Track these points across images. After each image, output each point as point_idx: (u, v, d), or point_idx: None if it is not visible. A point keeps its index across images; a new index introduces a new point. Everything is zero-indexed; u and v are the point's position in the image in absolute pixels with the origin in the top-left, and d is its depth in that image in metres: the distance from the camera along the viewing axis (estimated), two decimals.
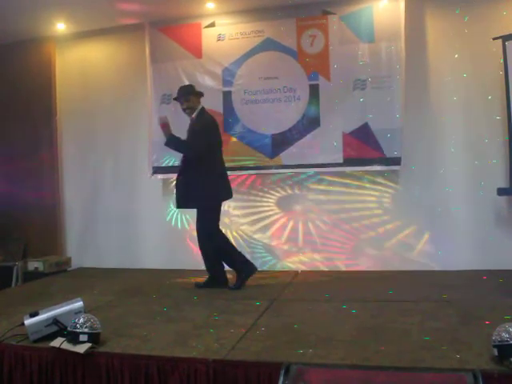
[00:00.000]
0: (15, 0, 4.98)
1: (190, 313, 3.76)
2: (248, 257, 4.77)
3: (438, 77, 5.17)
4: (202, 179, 4.47)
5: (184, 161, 4.58)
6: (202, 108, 4.65)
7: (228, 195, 4.71)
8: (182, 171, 4.56)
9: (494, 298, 3.87)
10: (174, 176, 5.68)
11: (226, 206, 5.72)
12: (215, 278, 4.69)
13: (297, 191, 5.56)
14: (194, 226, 5.70)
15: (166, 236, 5.92)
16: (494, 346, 2.49)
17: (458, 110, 5.10)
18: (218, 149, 4.66)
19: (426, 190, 5.16)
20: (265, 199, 5.66)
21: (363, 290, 4.35)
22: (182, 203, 4.61)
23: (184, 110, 4.63)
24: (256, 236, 5.68)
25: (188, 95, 4.59)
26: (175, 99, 4.74)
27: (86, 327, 2.94)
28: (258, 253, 5.65)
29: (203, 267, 5.63)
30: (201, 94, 4.69)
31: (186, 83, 5.65)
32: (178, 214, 5.88)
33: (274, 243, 5.62)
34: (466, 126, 5.08)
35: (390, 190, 5.30)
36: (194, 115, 4.60)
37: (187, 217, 5.79)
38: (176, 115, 5.70)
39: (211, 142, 4.53)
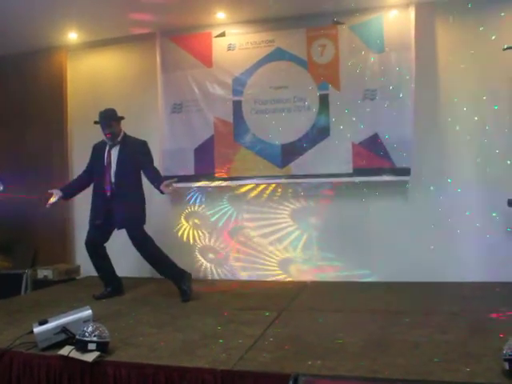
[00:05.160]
0: (28, 9, 5.02)
1: (199, 322, 3.76)
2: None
3: (449, 86, 5.15)
4: (139, 199, 4.76)
5: (118, 183, 4.68)
6: (125, 132, 4.81)
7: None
8: (118, 193, 4.66)
9: (506, 310, 3.83)
10: (185, 185, 5.76)
11: (237, 216, 5.74)
12: (116, 287, 4.91)
13: (306, 201, 5.54)
14: (202, 235, 5.80)
15: (175, 246, 5.92)
16: (505, 360, 2.46)
17: (469, 120, 5.06)
18: None
19: (436, 201, 5.12)
20: (274, 209, 5.65)
21: (373, 302, 4.32)
22: (122, 224, 4.70)
23: (106, 135, 4.70)
24: (266, 246, 5.66)
25: (110, 121, 4.69)
26: (96, 123, 4.78)
27: (94, 336, 2.95)
28: (266, 262, 5.64)
29: (210, 277, 5.69)
30: (121, 118, 4.82)
31: (197, 92, 5.71)
32: (187, 225, 5.90)
33: (282, 252, 5.60)
34: (476, 136, 5.05)
35: (399, 201, 5.27)
36: (119, 139, 4.73)
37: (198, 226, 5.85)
38: (186, 124, 5.77)
39: None
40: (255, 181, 5.59)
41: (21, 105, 6.28)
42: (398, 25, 5.17)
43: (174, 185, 4.51)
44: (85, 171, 4.97)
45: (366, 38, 5.27)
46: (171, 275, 4.75)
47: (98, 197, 4.79)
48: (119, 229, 4.72)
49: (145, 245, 4.68)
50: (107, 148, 4.77)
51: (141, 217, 4.74)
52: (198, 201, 5.90)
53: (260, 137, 5.54)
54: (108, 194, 4.70)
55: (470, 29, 5.06)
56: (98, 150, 4.87)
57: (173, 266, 4.74)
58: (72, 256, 6.22)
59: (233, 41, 5.67)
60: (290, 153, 5.45)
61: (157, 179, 4.56)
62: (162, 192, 4.48)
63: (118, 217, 4.65)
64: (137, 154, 4.71)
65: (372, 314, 3.88)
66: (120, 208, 4.63)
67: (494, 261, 4.88)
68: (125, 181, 4.68)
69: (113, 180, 4.69)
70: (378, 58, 5.24)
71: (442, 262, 5.01)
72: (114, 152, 4.73)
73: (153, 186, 4.61)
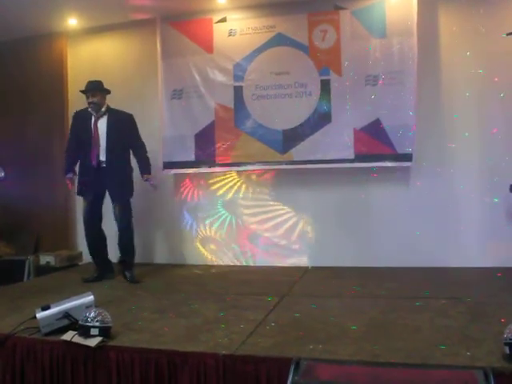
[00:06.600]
0: None
1: (201, 308, 3.77)
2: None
3: (451, 73, 5.12)
4: (129, 172, 4.93)
5: (109, 157, 4.77)
6: (108, 105, 4.91)
7: None
8: (110, 167, 4.77)
9: (507, 295, 3.84)
10: (186, 170, 5.77)
11: (236, 201, 5.75)
12: (106, 270, 5.00)
13: (307, 187, 5.53)
14: (202, 222, 5.79)
15: (176, 231, 5.94)
16: (506, 344, 2.48)
17: (471, 107, 5.04)
18: None
19: (437, 187, 5.12)
20: (274, 196, 5.65)
21: (374, 287, 4.34)
22: (118, 197, 4.85)
23: (89, 103, 4.82)
24: (266, 232, 5.67)
25: (95, 90, 4.81)
26: (82, 92, 4.91)
27: (96, 321, 2.97)
28: (267, 248, 5.65)
29: (210, 262, 5.70)
30: (107, 92, 4.93)
31: (197, 78, 5.69)
32: (187, 210, 5.91)
33: (282, 238, 5.61)
34: (478, 123, 5.03)
35: (401, 187, 5.27)
36: (103, 109, 4.83)
37: (198, 213, 5.86)
38: (187, 110, 5.74)
39: None
40: (256, 166, 5.58)
41: (21, 91, 6.25)
42: (400, 10, 5.12)
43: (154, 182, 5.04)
44: (71, 145, 4.99)
45: (368, 23, 5.21)
46: (129, 252, 4.97)
47: (85, 170, 4.84)
48: (114, 202, 4.85)
49: (127, 216, 4.89)
50: (93, 120, 4.82)
51: (131, 189, 4.93)
52: None
53: (261, 122, 5.52)
54: (95, 167, 4.75)
55: (473, 14, 5.01)
56: (82, 120, 4.90)
57: (133, 246, 5.01)
58: (74, 242, 6.23)
59: (234, 26, 5.63)
60: (291, 138, 5.43)
61: (143, 167, 4.97)
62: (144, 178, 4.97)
63: (111, 191, 4.81)
64: (125, 127, 4.86)
65: (373, 299, 3.90)
66: (112, 182, 4.76)
67: (495, 246, 4.89)
68: (115, 154, 4.77)
69: (104, 154, 4.76)
70: (380, 44, 5.19)
71: (443, 247, 5.02)
72: (101, 125, 4.81)
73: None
